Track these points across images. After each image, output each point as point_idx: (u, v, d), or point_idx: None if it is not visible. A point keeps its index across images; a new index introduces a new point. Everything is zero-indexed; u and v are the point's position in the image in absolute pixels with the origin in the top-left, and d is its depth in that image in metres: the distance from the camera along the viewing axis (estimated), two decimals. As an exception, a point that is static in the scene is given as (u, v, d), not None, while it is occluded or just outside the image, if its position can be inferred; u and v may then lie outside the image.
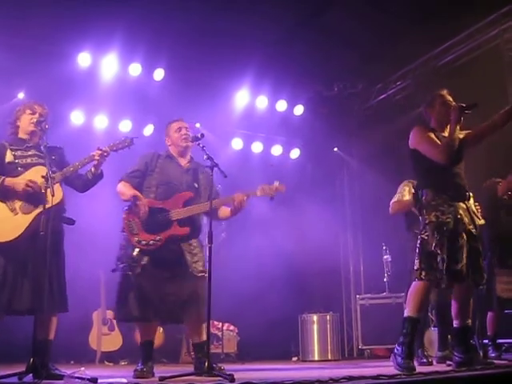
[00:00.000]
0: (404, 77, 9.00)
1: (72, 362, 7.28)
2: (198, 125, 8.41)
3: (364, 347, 8.64)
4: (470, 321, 4.31)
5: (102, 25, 6.97)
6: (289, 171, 9.72)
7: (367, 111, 9.76)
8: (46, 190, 4.00)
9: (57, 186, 4.15)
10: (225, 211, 4.95)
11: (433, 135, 4.42)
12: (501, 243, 6.23)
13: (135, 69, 8.21)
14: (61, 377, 3.88)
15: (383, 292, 8.60)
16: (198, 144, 4.71)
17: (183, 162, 4.99)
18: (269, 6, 7.19)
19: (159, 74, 8.34)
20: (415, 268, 4.25)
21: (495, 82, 7.32)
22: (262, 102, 9.38)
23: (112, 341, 7.91)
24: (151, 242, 4.58)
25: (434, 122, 4.61)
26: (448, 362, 5.25)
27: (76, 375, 3.68)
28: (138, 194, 4.70)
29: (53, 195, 3.92)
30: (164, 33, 7.29)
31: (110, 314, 8.01)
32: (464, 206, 4.35)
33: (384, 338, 7.95)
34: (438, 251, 4.12)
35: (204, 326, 4.61)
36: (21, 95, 7.56)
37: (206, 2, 7.01)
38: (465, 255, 4.16)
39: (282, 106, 9.53)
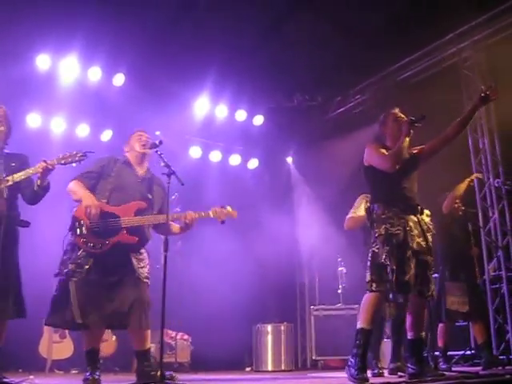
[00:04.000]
0: (363, 91, 9.13)
1: (20, 370, 7.10)
2: (157, 132, 8.35)
3: (317, 358, 8.67)
4: (423, 333, 4.40)
5: (62, 27, 6.88)
6: (246, 181, 9.74)
7: (326, 124, 9.85)
8: None
9: None
10: (175, 227, 4.93)
11: (384, 150, 4.55)
12: (453, 257, 6.34)
13: (95, 73, 8.10)
14: (8, 385, 3.79)
15: (337, 303, 8.66)
16: (156, 151, 4.68)
17: (140, 171, 4.92)
18: (230, 16, 7.21)
19: (119, 78, 8.25)
20: (366, 280, 4.34)
21: (453, 99, 7.49)
22: (222, 111, 9.38)
23: (63, 349, 7.76)
24: (99, 245, 4.48)
25: (388, 139, 4.71)
26: (400, 374, 5.30)
27: (24, 383, 3.59)
28: (91, 194, 4.60)
29: (5, 197, 3.86)
30: (125, 37, 7.22)
31: (61, 321, 7.85)
32: (415, 218, 4.44)
33: (337, 349, 8.00)
34: (388, 262, 4.21)
35: (147, 333, 4.56)
36: (-24, 96, 7.39)
37: (167, 9, 6.98)
38: (412, 266, 4.25)
39: (241, 115, 9.54)
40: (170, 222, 4.81)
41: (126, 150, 5.03)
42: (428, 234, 4.53)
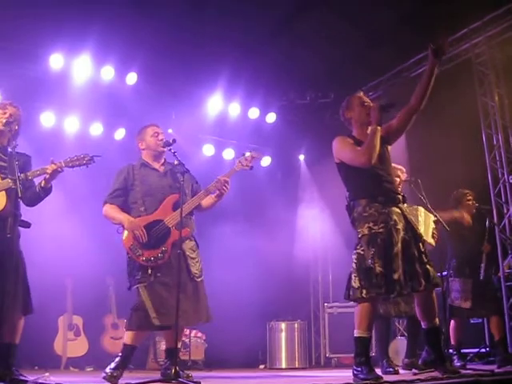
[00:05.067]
0: (376, 87, 9.09)
1: (36, 368, 7.17)
2: (170, 130, 8.37)
3: (331, 355, 8.66)
4: (436, 320, 4.17)
5: (75, 26, 6.92)
6: (259, 178, 9.72)
7: (339, 121, 9.79)
8: None
9: (1, 194, 4.10)
10: (208, 200, 5.02)
11: (352, 141, 4.31)
12: (460, 254, 6.29)
13: (108, 72, 8.13)
14: (24, 382, 3.81)
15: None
16: (170, 149, 4.72)
17: (158, 165, 4.97)
18: (242, 14, 7.21)
19: (132, 77, 8.28)
20: (355, 286, 4.06)
21: (466, 94, 7.45)
22: (235, 108, 9.38)
23: (78, 346, 7.82)
24: (159, 255, 4.61)
25: (355, 125, 4.46)
26: (414, 371, 5.29)
27: (40, 381, 3.62)
28: (129, 216, 4.71)
29: (20, 197, 3.88)
30: (138, 36, 7.24)
31: (76, 319, 7.92)
32: (398, 210, 4.18)
33: (351, 347, 7.90)
34: (375, 265, 3.98)
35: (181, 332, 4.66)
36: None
37: (179, 7, 6.99)
38: (400, 262, 4.01)
39: (254, 113, 9.54)
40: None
41: (141, 146, 5.05)
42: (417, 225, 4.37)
